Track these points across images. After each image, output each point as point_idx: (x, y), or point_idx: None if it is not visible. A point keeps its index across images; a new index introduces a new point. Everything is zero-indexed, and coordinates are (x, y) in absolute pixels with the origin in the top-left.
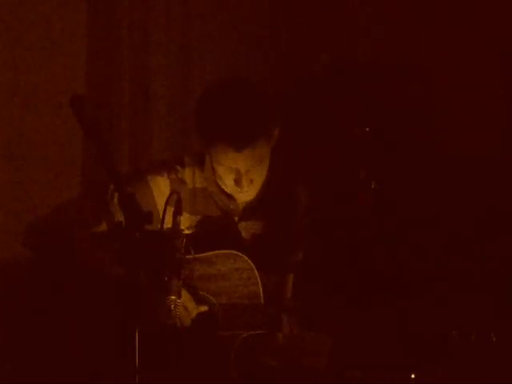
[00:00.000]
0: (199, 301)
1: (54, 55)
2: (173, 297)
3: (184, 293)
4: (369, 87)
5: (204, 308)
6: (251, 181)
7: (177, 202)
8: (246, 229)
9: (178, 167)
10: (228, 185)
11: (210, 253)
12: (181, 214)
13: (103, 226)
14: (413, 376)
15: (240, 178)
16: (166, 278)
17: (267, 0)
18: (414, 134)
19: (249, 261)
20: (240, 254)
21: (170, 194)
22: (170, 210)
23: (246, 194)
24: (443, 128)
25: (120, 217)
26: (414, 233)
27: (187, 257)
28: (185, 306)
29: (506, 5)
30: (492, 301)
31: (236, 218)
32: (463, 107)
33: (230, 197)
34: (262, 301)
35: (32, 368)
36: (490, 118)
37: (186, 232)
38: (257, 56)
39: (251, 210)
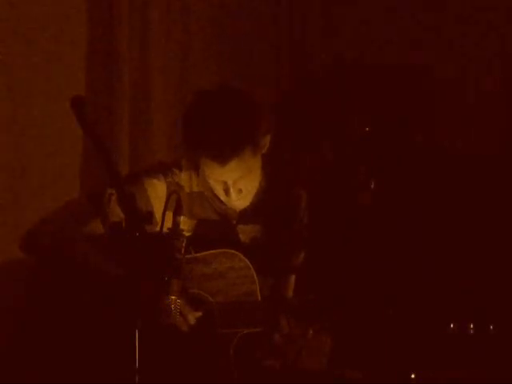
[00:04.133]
0: (196, 301)
1: (54, 56)
2: (173, 297)
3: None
4: (369, 87)
5: (199, 314)
6: (240, 190)
7: (177, 203)
8: (244, 232)
9: (175, 170)
10: (220, 194)
11: (207, 252)
12: (181, 215)
13: (100, 229)
14: (413, 376)
15: (228, 188)
16: (166, 278)
17: (268, 1)
18: (414, 134)
19: (245, 259)
20: (236, 252)
21: (170, 195)
22: (169, 214)
23: (237, 203)
24: (443, 127)
25: (116, 220)
26: (414, 231)
27: (187, 256)
28: (180, 312)
29: (507, 5)
30: (490, 293)
31: (234, 222)
32: (463, 106)
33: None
34: (259, 298)
35: (32, 368)
36: (491, 117)
37: (186, 234)
38: (256, 56)
39: (248, 213)
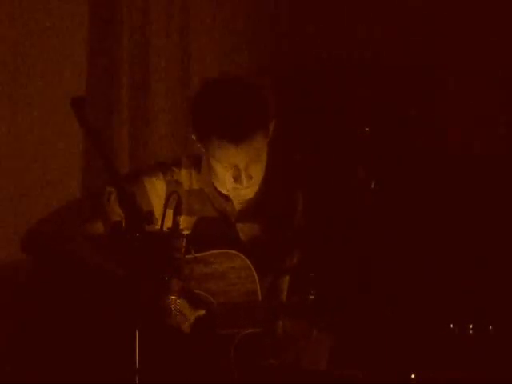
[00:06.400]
0: (197, 301)
1: (54, 56)
2: (173, 297)
3: (181, 299)
4: (369, 87)
5: (201, 312)
6: (250, 177)
7: (177, 203)
8: (243, 231)
9: (175, 168)
10: (227, 183)
11: (207, 252)
12: (181, 215)
13: (100, 229)
14: (413, 376)
15: (239, 174)
16: (166, 278)
17: (267, 0)
18: (414, 134)
19: (246, 259)
20: (237, 252)
21: (170, 194)
22: (169, 212)
23: (245, 191)
24: (443, 127)
25: (116, 218)
26: (414, 231)
27: (187, 257)
28: (182, 312)
29: (506, 5)
30: (490, 294)
31: (232, 219)
32: (464, 106)
33: (226, 198)
34: (260, 298)
35: (32, 368)
36: (492, 117)
37: (186, 232)
38: (257, 55)
39: (247, 212)
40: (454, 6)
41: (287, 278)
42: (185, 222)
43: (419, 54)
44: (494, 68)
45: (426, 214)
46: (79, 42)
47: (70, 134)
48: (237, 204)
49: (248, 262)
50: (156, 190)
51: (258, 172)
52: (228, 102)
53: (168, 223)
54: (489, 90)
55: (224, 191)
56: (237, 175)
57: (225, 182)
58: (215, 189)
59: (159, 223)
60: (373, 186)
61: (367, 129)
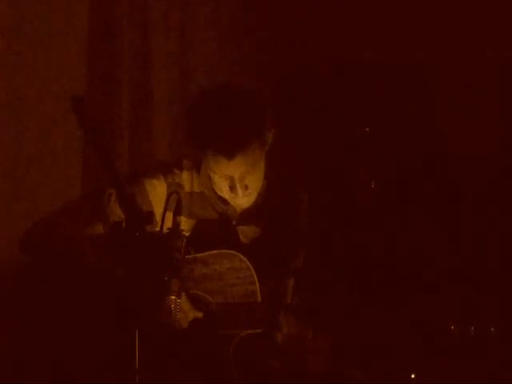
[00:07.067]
0: (196, 301)
1: (54, 55)
2: (173, 297)
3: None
4: (369, 87)
5: (199, 314)
6: (246, 187)
7: (177, 203)
8: (244, 233)
9: (176, 170)
10: (224, 191)
11: (207, 253)
12: (180, 214)
13: (99, 229)
14: (413, 376)
15: (234, 185)
16: (166, 278)
17: (267, 0)
18: (414, 134)
19: (245, 260)
20: (237, 253)
21: (170, 195)
22: (170, 214)
23: (242, 201)
24: (443, 127)
25: (115, 220)
26: (414, 231)
27: (187, 257)
28: (182, 310)
29: (506, 5)
30: (491, 294)
31: (234, 222)
32: (463, 107)
33: (226, 202)
34: (260, 299)
35: (32, 368)
36: (491, 117)
37: (186, 234)
38: (257, 56)
39: (249, 214)
40: (454, 6)
41: (292, 280)
42: (186, 224)
43: (419, 54)
44: (494, 68)
45: (425, 213)
46: (79, 42)
47: (70, 133)
48: (238, 207)
49: (248, 263)
50: (157, 192)
51: (254, 182)
52: (222, 115)
53: (168, 224)
54: (489, 90)
55: (223, 196)
56: (232, 185)
57: (222, 190)
58: (215, 192)
59: (159, 225)
60: (373, 185)
61: (367, 129)
